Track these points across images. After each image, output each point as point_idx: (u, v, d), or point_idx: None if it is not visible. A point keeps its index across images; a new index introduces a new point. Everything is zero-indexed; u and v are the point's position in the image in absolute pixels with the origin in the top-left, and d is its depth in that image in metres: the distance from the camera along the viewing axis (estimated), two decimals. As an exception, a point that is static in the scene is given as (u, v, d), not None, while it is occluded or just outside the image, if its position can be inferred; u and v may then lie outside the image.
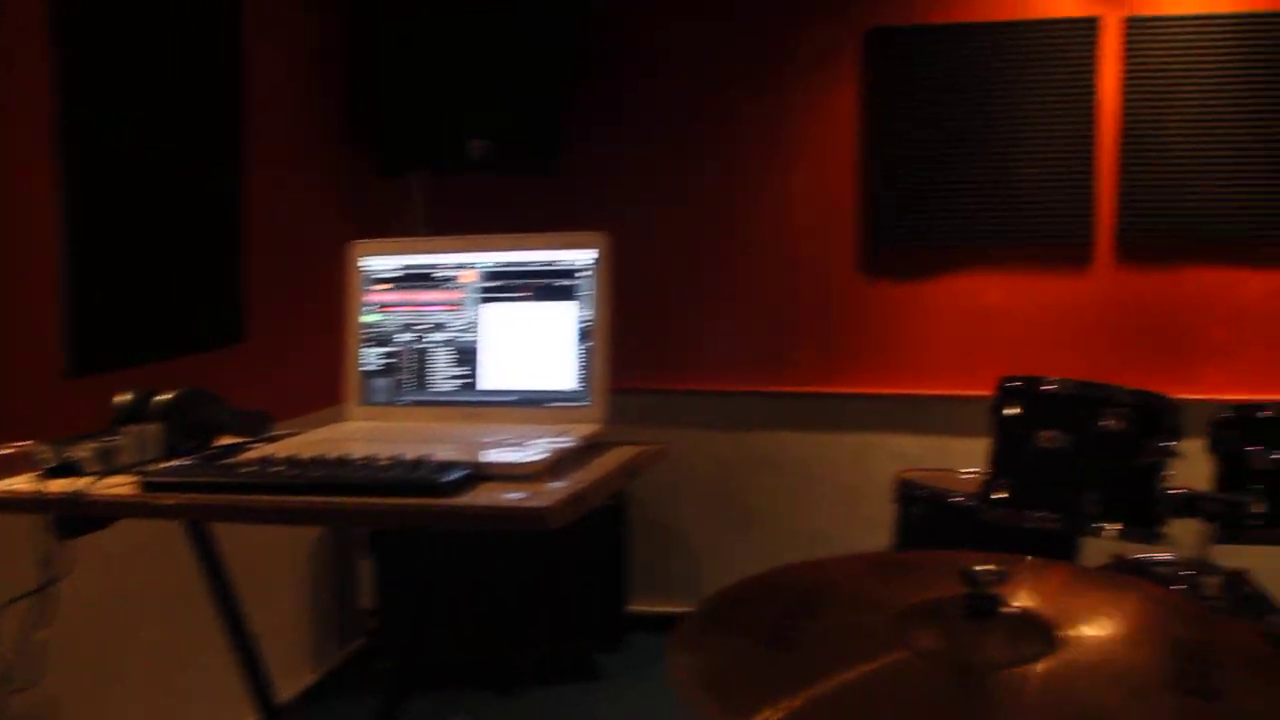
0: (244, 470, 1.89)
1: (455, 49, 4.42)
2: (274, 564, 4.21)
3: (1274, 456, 3.27)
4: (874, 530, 3.99)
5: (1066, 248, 4.79)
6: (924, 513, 3.86)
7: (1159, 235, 4.72)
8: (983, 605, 1.64)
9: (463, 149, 4.47)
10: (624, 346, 4.92)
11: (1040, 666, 1.57)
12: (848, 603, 1.79)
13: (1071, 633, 1.65)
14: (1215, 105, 4.64)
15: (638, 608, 4.86)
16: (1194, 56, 4.64)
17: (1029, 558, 1.95)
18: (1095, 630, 1.68)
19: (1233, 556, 3.38)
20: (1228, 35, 4.62)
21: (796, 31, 4.95)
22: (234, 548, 2.39)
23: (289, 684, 4.21)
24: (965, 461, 3.96)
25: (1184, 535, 3.32)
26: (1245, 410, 3.34)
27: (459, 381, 2.31)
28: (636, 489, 4.87)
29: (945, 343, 4.89)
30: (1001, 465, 3.37)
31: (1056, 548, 3.75)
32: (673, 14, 5.01)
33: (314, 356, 3.66)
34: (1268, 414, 3.32)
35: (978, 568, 1.65)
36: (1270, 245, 4.67)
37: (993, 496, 3.35)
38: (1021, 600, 1.72)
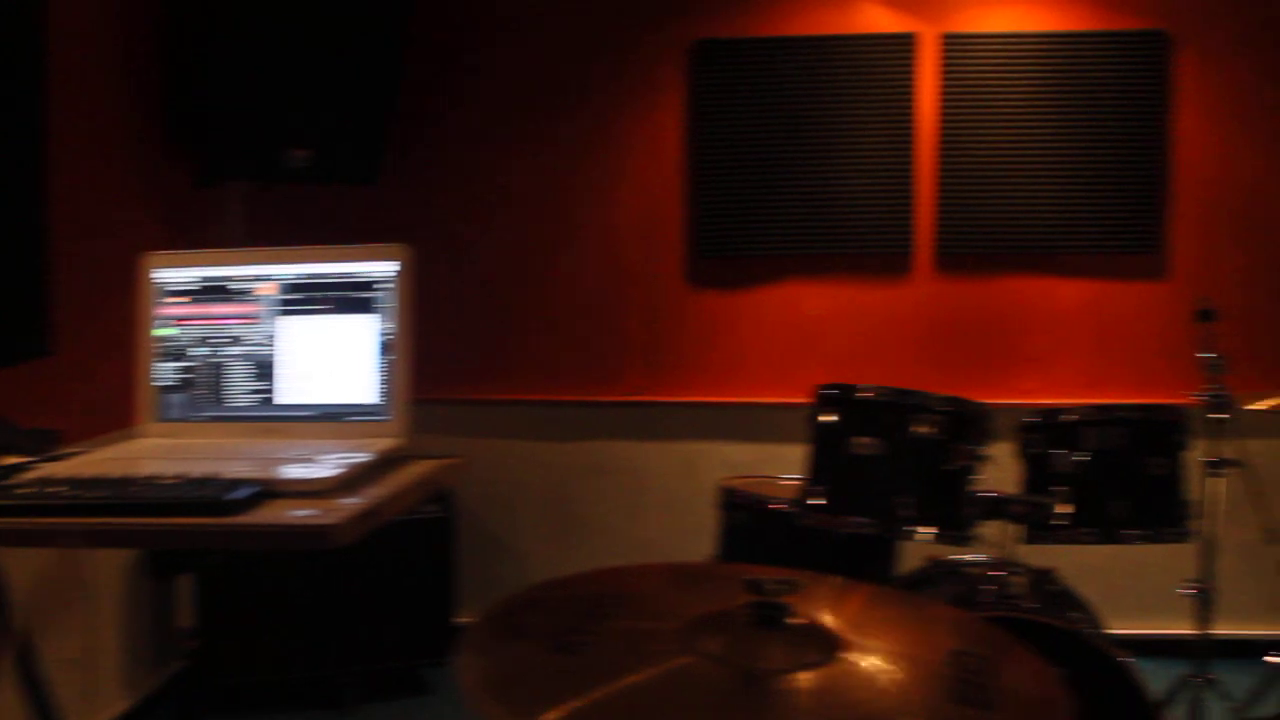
0: (19, 492, 1.81)
1: (275, 57, 4.32)
2: (83, 583, 4.06)
3: (1077, 459, 3.39)
4: (702, 538, 4.01)
5: (887, 258, 4.89)
6: (746, 520, 3.89)
7: (976, 246, 4.85)
8: (768, 614, 1.66)
9: (282, 157, 4.38)
10: (450, 357, 4.97)
11: (820, 674, 1.59)
12: (638, 610, 1.79)
13: (854, 643, 1.67)
14: (1028, 120, 4.79)
15: (468, 620, 4.79)
16: (1008, 73, 4.79)
17: (816, 573, 1.95)
18: (877, 641, 1.71)
19: (1042, 556, 3.49)
20: (1039, 53, 4.78)
21: (622, 44, 4.96)
22: (38, 566, 2.29)
23: (98, 713, 4.06)
24: (792, 468, 4.00)
25: (996, 536, 3.40)
26: (1050, 414, 3.46)
27: (257, 396, 2.25)
28: (465, 500, 4.84)
29: (770, 351, 4.95)
30: (818, 472, 3.42)
31: (874, 551, 3.83)
32: (499, 25, 4.98)
33: (126, 371, 3.53)
34: (1072, 418, 3.43)
35: (764, 578, 1.66)
36: (1081, 256, 4.84)
37: (810, 503, 3.39)
38: (808, 610, 1.73)
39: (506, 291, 5.05)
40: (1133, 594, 4.62)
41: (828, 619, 1.75)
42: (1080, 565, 3.81)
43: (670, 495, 4.96)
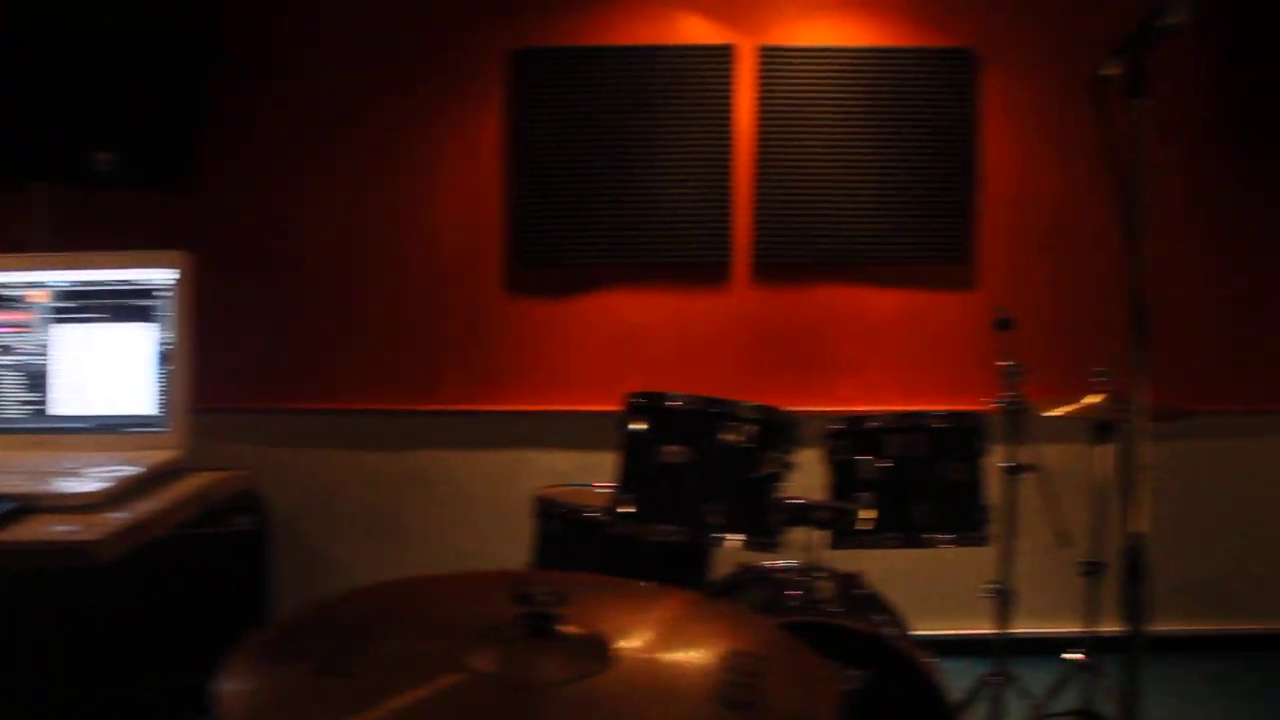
0: None
1: (81, 58, 4.18)
2: None
3: (880, 465, 3.45)
4: (523, 547, 3.99)
5: (706, 266, 4.94)
6: (561, 529, 3.88)
7: (793, 255, 4.92)
8: (539, 625, 1.64)
9: (87, 161, 4.23)
10: (264, 366, 4.86)
11: (593, 684, 1.58)
12: (412, 626, 1.76)
13: (628, 650, 1.67)
14: (843, 133, 4.89)
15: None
16: (823, 86, 4.88)
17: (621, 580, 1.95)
18: (652, 648, 1.71)
19: (851, 560, 3.56)
20: (853, 67, 4.88)
21: (444, 51, 4.91)
22: None
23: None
24: (612, 477, 4.00)
25: (804, 542, 3.45)
26: (855, 421, 3.52)
27: (29, 408, 2.16)
28: (281, 511, 4.73)
29: (592, 359, 4.95)
30: (628, 480, 3.42)
31: (687, 559, 3.85)
32: (316, 31, 4.89)
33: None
34: (876, 425, 3.50)
35: (534, 588, 1.65)
36: (894, 266, 4.95)
37: (620, 511, 3.39)
38: (581, 619, 1.73)
39: (325, 299, 4.96)
40: (937, 596, 4.74)
41: (597, 623, 1.74)
42: (888, 569, 3.90)
43: (492, 505, 4.92)
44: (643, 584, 2.01)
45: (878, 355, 5.00)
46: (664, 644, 1.74)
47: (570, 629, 1.69)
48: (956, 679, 3.96)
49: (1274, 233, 5.08)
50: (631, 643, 1.70)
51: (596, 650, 1.66)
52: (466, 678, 1.57)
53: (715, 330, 4.97)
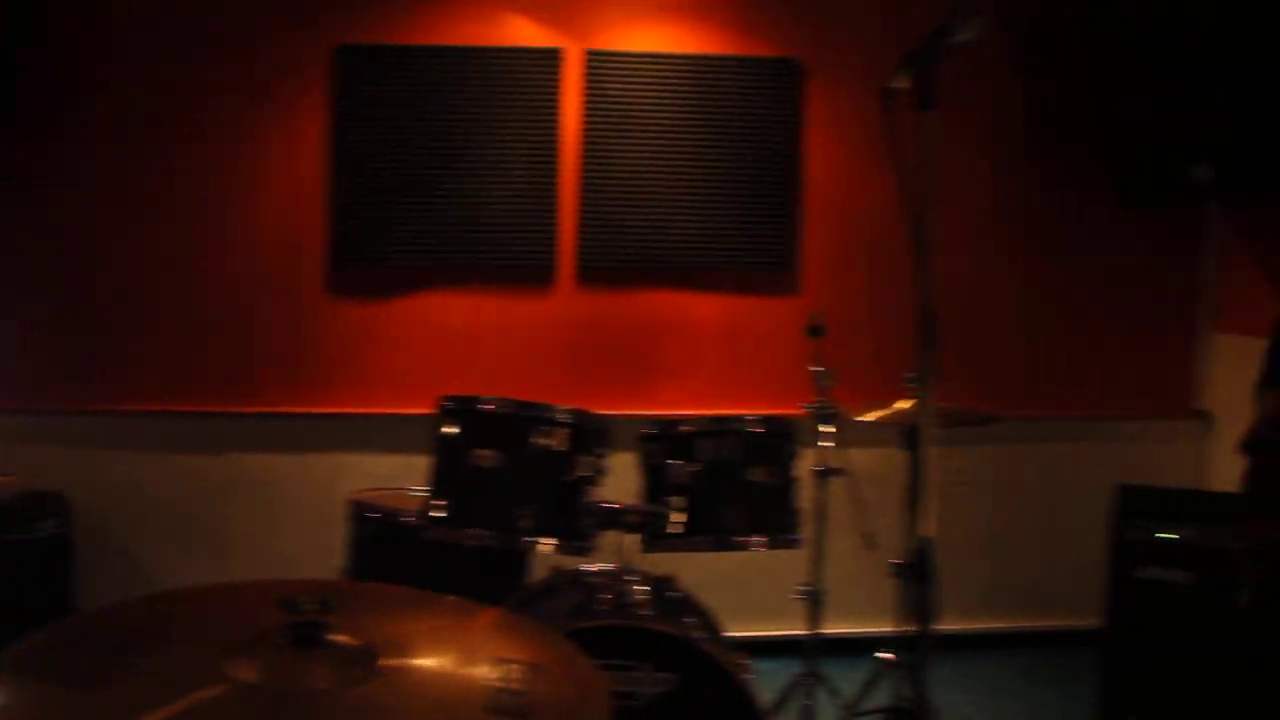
0: None
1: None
2: None
3: (691, 469, 3.48)
4: (342, 552, 3.93)
5: (530, 270, 4.93)
6: (375, 533, 3.84)
7: (618, 260, 4.94)
8: (305, 634, 1.61)
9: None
10: (75, 365, 4.69)
11: (359, 693, 1.56)
12: (171, 639, 1.71)
13: (399, 659, 1.65)
14: (669, 139, 4.93)
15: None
16: (650, 92, 4.90)
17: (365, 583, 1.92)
18: (423, 656, 1.69)
19: (669, 564, 3.58)
20: (680, 75, 4.92)
21: (268, 47, 4.80)
22: None
23: None
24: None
25: (617, 546, 3.46)
26: (668, 425, 3.54)
27: None
28: (88, 516, 4.58)
29: (414, 362, 4.90)
30: (441, 484, 3.39)
31: (504, 563, 3.84)
32: (131, 24, 4.73)
33: None
34: (688, 429, 3.53)
35: (300, 596, 1.62)
36: (718, 272, 5.01)
37: (432, 515, 3.36)
38: (352, 629, 1.70)
39: (140, 298, 4.80)
40: (751, 598, 4.78)
41: (368, 632, 1.71)
42: (706, 572, 3.93)
43: (311, 509, 4.81)
44: (419, 592, 1.99)
45: (701, 360, 5.04)
46: (436, 653, 1.72)
47: (340, 638, 1.66)
48: (769, 680, 4.02)
49: (1074, 245, 5.26)
50: (402, 652, 1.68)
51: (365, 659, 1.63)
52: (227, 689, 1.53)
53: (540, 334, 4.96)
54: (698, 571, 3.96)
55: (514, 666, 1.67)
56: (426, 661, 1.68)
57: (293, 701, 1.54)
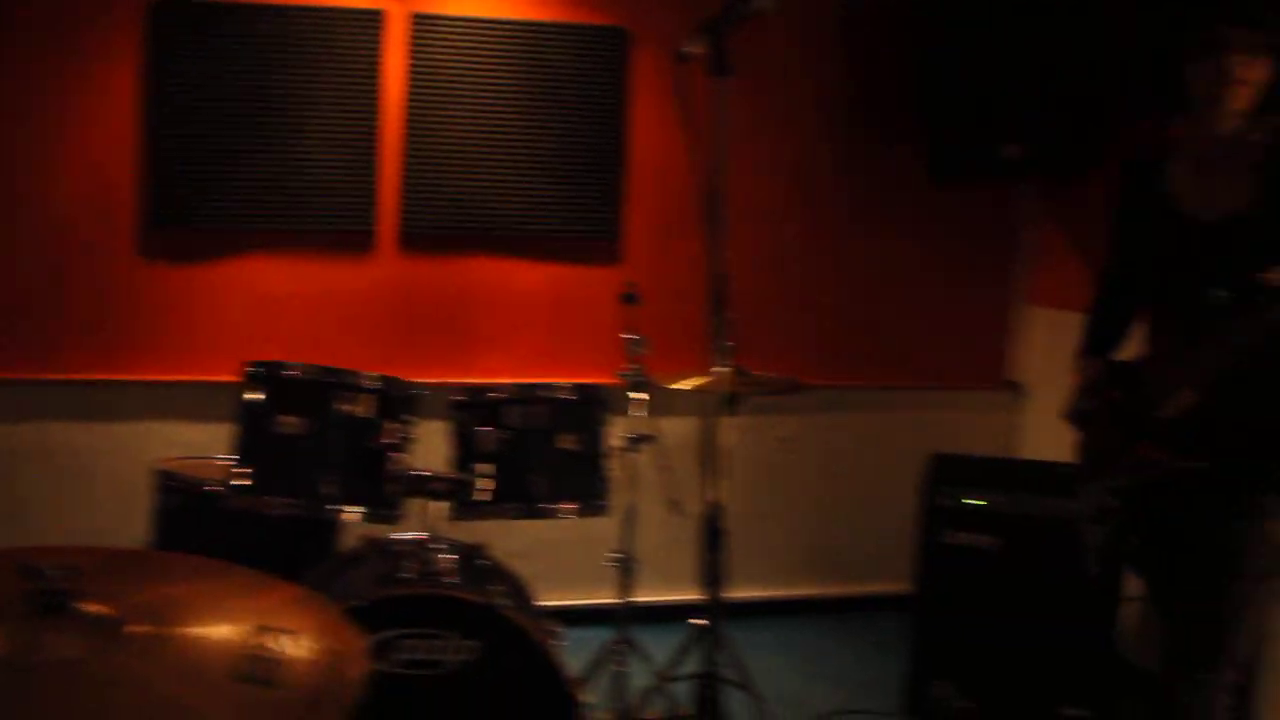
0: None
1: None
2: None
3: (500, 436, 3.47)
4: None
5: (350, 235, 4.84)
6: (181, 503, 3.75)
7: (441, 226, 4.89)
8: (49, 603, 1.56)
9: None
10: None
11: (105, 661, 1.51)
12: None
13: (154, 628, 1.61)
14: (496, 105, 4.88)
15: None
16: (476, 57, 4.84)
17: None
18: (175, 623, 1.66)
19: (483, 532, 3.57)
20: (506, 40, 4.87)
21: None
22: None
23: None
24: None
25: (426, 513, 3.44)
26: (477, 392, 3.53)
27: None
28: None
29: (229, 328, 4.76)
30: (245, 452, 3.33)
31: (313, 533, 3.78)
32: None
33: None
34: (498, 396, 3.51)
35: (44, 563, 1.57)
36: (543, 240, 4.99)
37: (236, 484, 3.30)
38: (102, 597, 1.65)
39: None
40: (566, 566, 4.80)
41: (125, 603, 1.66)
42: (523, 540, 3.93)
43: (118, 479, 4.63)
44: (178, 558, 1.95)
45: (524, 328, 5.02)
46: (189, 620, 1.68)
47: (88, 606, 1.61)
48: (583, 648, 4.04)
49: (892, 218, 5.38)
50: (159, 621, 1.64)
51: (112, 628, 1.59)
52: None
53: (360, 300, 4.88)
54: (516, 540, 3.96)
55: (270, 634, 1.64)
56: (177, 628, 1.64)
57: (34, 671, 1.49)
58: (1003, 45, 4.70)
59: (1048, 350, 5.40)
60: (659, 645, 4.15)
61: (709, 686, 3.87)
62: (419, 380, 3.48)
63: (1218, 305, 2.53)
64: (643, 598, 4.06)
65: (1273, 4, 2.50)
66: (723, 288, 2.72)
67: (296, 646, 1.62)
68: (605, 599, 4.15)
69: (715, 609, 2.71)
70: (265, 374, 3.34)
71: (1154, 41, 4.04)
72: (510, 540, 3.96)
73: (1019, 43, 4.67)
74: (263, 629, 1.65)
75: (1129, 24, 4.36)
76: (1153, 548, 3.00)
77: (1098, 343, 3.20)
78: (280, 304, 4.81)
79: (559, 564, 4.72)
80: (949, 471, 4.41)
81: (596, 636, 4.11)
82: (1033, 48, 4.65)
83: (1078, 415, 3.11)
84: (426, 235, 4.89)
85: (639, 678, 4.05)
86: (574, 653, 3.59)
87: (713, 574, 2.62)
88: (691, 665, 3.97)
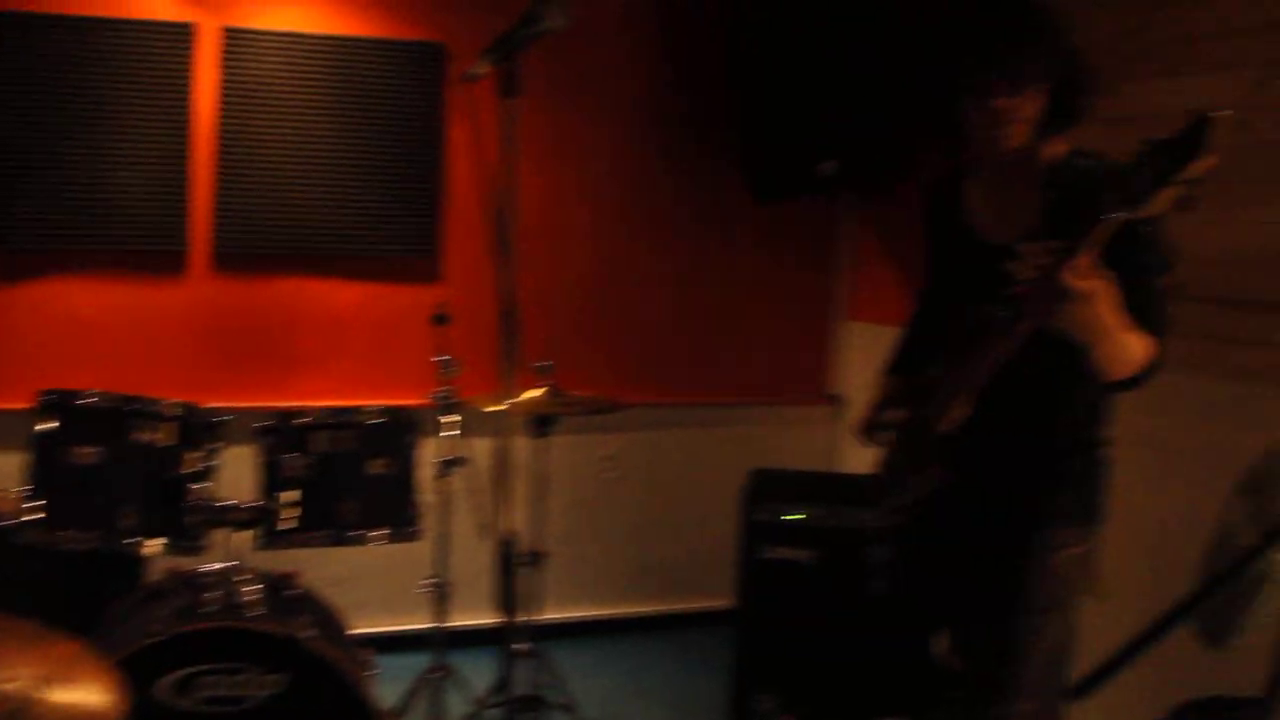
0: None
1: None
2: None
3: (306, 463, 3.40)
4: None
5: (160, 255, 4.68)
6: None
7: (256, 246, 4.76)
8: None
9: None
10: None
11: None
12: None
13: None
14: (311, 122, 4.78)
15: None
16: (290, 73, 4.74)
17: None
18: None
19: (293, 560, 3.49)
20: (322, 55, 4.77)
21: None
22: None
23: None
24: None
25: (230, 544, 3.35)
26: (284, 417, 3.46)
27: None
28: None
29: (32, 353, 4.53)
30: (38, 483, 3.21)
31: (116, 566, 3.66)
32: None
33: None
34: (305, 421, 3.45)
35: None
36: (360, 259, 4.90)
37: (26, 518, 3.17)
38: None
39: None
40: (383, 593, 4.74)
41: None
42: (340, 567, 3.85)
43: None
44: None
45: (343, 350, 4.93)
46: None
47: None
48: (400, 676, 3.99)
49: (713, 235, 5.45)
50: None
51: None
52: None
53: (171, 323, 4.71)
54: (333, 567, 3.89)
55: (22, 679, 1.57)
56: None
57: None
58: (818, 64, 4.79)
59: (867, 364, 5.49)
60: (478, 671, 4.11)
61: (530, 710, 3.85)
62: (233, 405, 3.42)
63: (998, 324, 2.55)
64: (461, 622, 4.02)
65: (1032, 35, 2.53)
66: (513, 310, 2.70)
67: (52, 693, 1.56)
68: (423, 624, 4.09)
69: (527, 632, 2.69)
70: (58, 402, 3.23)
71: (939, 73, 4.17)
72: (326, 568, 3.89)
73: (833, 61, 4.76)
74: (18, 675, 1.58)
75: (924, 49, 4.48)
76: (931, 571, 2.98)
77: (903, 360, 3.23)
78: (85, 327, 4.62)
79: (376, 590, 4.65)
80: (768, 487, 4.47)
81: (415, 663, 4.05)
82: (846, 66, 4.75)
83: (863, 430, 3.13)
84: (240, 255, 4.77)
85: (457, 706, 4.00)
86: (390, 681, 3.54)
87: (509, 600, 2.60)
88: (511, 690, 3.94)
